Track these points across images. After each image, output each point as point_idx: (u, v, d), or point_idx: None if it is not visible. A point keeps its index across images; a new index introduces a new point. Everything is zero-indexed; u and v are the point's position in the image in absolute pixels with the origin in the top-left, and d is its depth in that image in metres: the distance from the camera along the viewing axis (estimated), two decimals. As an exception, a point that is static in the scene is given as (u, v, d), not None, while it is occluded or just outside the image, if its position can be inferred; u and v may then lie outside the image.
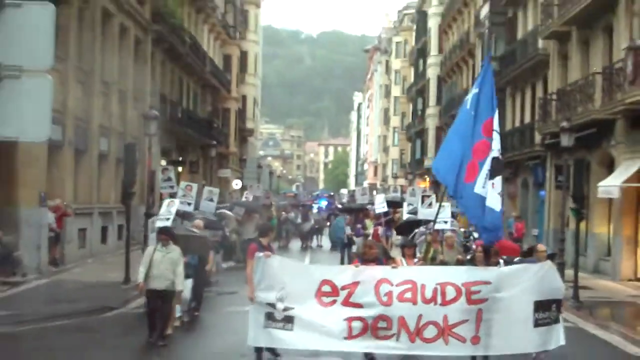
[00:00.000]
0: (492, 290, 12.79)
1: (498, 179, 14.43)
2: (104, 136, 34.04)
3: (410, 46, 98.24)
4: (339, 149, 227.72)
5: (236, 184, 67.85)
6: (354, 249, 33.17)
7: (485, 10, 52.04)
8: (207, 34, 60.53)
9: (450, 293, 12.72)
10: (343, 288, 12.89)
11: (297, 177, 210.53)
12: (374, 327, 12.65)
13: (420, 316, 12.60)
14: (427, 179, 76.37)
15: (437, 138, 75.33)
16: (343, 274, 13.33)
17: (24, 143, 22.68)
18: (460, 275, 13.15)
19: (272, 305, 12.96)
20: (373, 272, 13.14)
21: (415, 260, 15.89)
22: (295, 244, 45.70)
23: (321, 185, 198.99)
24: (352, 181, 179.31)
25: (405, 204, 30.92)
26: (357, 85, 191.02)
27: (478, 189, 14.53)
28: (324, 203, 60.39)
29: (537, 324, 12.92)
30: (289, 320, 12.92)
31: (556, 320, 13.23)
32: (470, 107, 14.75)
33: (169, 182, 29.08)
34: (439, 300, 12.68)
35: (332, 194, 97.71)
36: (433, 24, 78.48)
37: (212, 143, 58.53)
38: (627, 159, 28.42)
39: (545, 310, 12.99)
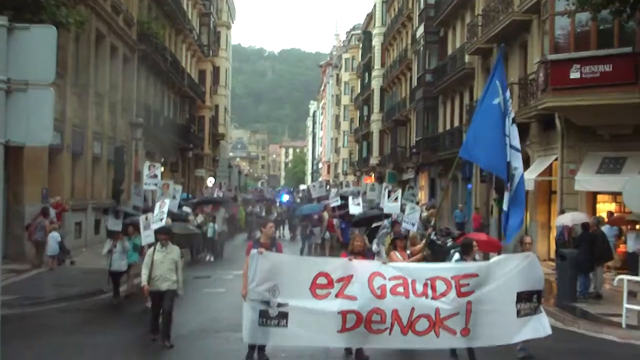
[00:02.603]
0: (479, 282, 11.54)
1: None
2: (97, 141, 33.78)
3: (357, 61, 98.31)
4: (298, 150, 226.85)
5: (210, 182, 67.62)
6: (313, 239, 32.86)
7: (420, 31, 52.26)
8: (185, 52, 60.14)
9: (441, 287, 11.45)
10: (338, 280, 11.46)
11: (262, 175, 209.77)
12: (368, 320, 11.22)
13: (412, 309, 11.26)
14: (372, 175, 76.58)
15: (381, 140, 75.65)
16: (337, 266, 11.80)
17: (29, 147, 22.52)
18: (448, 269, 11.96)
19: (267, 302, 11.40)
20: (366, 265, 11.84)
21: (408, 252, 14.79)
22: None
23: (282, 182, 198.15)
24: (308, 178, 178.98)
25: (350, 198, 29.75)
26: (312, 95, 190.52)
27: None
28: (285, 197, 59.95)
29: (519, 314, 11.72)
30: (283, 316, 11.38)
31: (537, 311, 12.00)
32: (505, 111, 13.07)
33: (154, 180, 24.96)
34: (430, 294, 11.39)
35: (292, 189, 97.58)
36: (376, 42, 78.57)
37: (189, 146, 58.17)
38: (540, 156, 28.77)
39: (527, 301, 11.81)
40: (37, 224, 24.40)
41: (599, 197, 26.42)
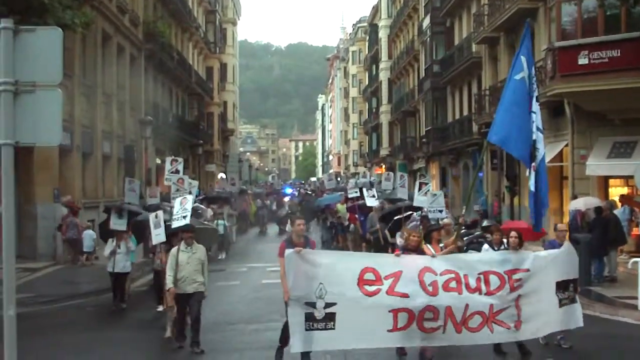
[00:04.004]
0: (529, 276, 11.16)
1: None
2: (106, 140, 33.84)
3: (364, 54, 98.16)
4: (307, 143, 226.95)
5: (221, 177, 67.79)
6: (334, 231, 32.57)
7: (426, 22, 52.12)
8: (192, 49, 60.16)
9: (495, 282, 10.93)
10: (386, 277, 10.67)
11: (272, 169, 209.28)
12: (420, 318, 10.60)
13: (467, 306, 10.71)
14: (383, 166, 76.52)
15: (390, 131, 75.56)
16: (384, 262, 11.04)
17: (39, 148, 22.64)
18: (499, 263, 11.25)
19: (312, 304, 10.47)
20: (415, 261, 11.03)
21: (441, 245, 13.73)
22: (272, 229, 43.08)
23: (293, 175, 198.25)
24: (319, 170, 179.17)
25: (364, 190, 29.35)
26: (320, 88, 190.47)
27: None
28: (289, 191, 59.79)
29: (560, 304, 11.40)
30: (330, 318, 10.49)
31: (573, 300, 11.69)
32: (530, 88, 12.26)
33: (176, 175, 22.12)
34: (484, 289, 10.86)
35: (302, 182, 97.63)
36: (383, 34, 78.48)
37: (199, 142, 58.25)
38: (551, 143, 28.58)
39: (565, 291, 11.52)
40: (68, 223, 25.34)
41: (611, 181, 26.28)
